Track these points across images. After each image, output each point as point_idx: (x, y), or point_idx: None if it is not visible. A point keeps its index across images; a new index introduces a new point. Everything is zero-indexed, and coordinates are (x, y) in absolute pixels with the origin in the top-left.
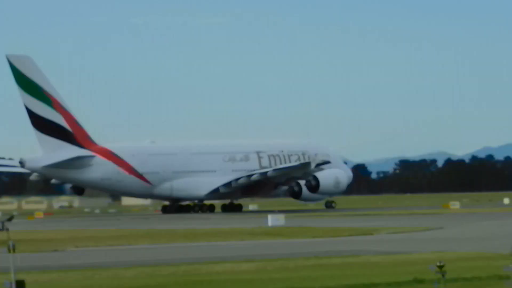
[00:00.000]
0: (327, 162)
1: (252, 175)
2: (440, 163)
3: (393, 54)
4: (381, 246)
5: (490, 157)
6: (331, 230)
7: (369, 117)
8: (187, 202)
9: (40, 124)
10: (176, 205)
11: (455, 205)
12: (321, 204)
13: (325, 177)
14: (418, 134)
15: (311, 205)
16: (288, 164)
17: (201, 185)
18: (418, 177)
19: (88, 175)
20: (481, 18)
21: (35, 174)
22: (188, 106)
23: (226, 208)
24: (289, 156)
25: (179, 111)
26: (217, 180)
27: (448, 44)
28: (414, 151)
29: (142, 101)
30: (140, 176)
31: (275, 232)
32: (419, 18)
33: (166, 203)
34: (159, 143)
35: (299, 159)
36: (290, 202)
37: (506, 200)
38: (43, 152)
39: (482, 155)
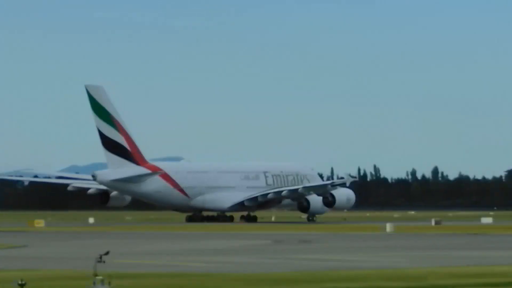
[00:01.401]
0: (345, 184)
1: (282, 191)
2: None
3: None
4: None
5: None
6: None
7: None
8: (208, 213)
9: (108, 144)
10: (200, 215)
11: (40, 223)
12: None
13: (340, 194)
14: (6, 151)
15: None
16: (318, 183)
17: (226, 198)
18: (5, 194)
19: (144, 188)
20: None
21: (93, 187)
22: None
23: (244, 219)
24: (286, 176)
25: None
26: (236, 195)
27: None
28: (3, 168)
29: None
30: (181, 190)
31: None
32: None
33: (190, 213)
34: (194, 162)
35: (294, 179)
36: (292, 214)
37: (91, 220)
38: (110, 168)
39: (70, 172)
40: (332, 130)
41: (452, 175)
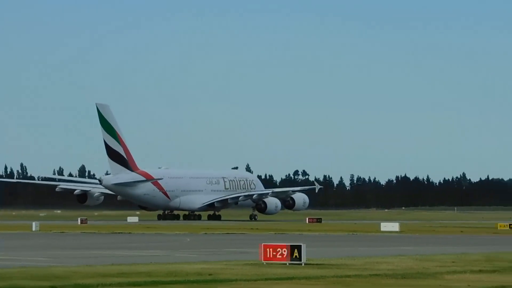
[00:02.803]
0: (314, 188)
1: (253, 194)
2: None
3: None
4: None
5: None
6: None
7: None
8: (178, 212)
9: (111, 153)
10: (171, 214)
11: None
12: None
13: (298, 198)
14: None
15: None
16: (285, 189)
17: (196, 200)
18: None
19: (136, 191)
20: None
21: (97, 191)
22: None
23: (211, 217)
24: (239, 181)
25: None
26: (204, 197)
27: None
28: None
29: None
30: (165, 193)
31: None
32: None
33: (160, 212)
34: (171, 169)
35: (244, 183)
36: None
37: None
38: (112, 174)
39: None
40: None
41: None
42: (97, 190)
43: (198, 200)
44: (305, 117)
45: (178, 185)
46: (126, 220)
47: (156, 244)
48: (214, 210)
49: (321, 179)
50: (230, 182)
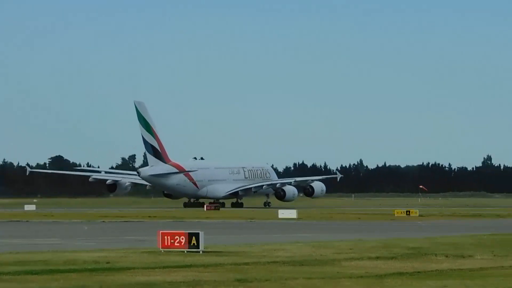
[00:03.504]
0: (335, 177)
1: (276, 183)
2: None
3: None
4: None
5: None
6: None
7: None
8: (203, 200)
9: (148, 147)
10: (196, 202)
11: None
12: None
13: (317, 186)
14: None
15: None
16: (306, 178)
17: (221, 189)
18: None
19: (170, 182)
20: None
21: (127, 181)
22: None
23: (234, 205)
24: (256, 170)
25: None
26: (227, 186)
27: None
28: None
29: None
30: (194, 183)
31: None
32: None
33: (186, 200)
34: (198, 161)
35: (261, 172)
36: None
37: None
38: (149, 166)
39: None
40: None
41: None
42: (127, 180)
43: (222, 189)
44: None
45: (205, 175)
46: (23, 208)
47: (54, 232)
48: (237, 198)
49: None
50: (249, 171)
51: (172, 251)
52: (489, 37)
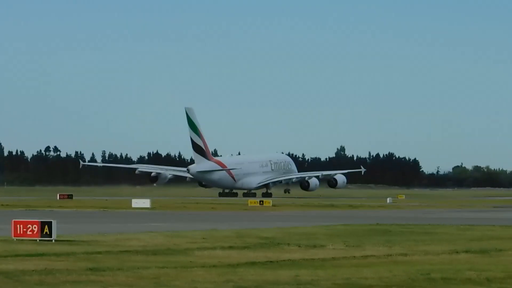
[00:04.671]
0: (360, 171)
1: (305, 176)
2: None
3: None
4: None
5: None
6: None
7: None
8: (235, 191)
9: (195, 147)
10: (231, 192)
11: None
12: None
13: (339, 178)
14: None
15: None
16: (332, 172)
17: (253, 181)
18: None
19: (213, 177)
20: None
21: (168, 173)
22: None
23: (264, 195)
24: (280, 163)
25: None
26: (258, 178)
27: None
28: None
29: None
30: (233, 177)
31: None
32: None
33: (220, 190)
34: (234, 157)
35: (284, 165)
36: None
37: None
38: (196, 164)
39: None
40: None
41: None
42: (168, 172)
43: (254, 181)
44: None
45: (240, 169)
46: None
47: None
48: (266, 188)
49: (73, 155)
50: (274, 164)
51: (24, 240)
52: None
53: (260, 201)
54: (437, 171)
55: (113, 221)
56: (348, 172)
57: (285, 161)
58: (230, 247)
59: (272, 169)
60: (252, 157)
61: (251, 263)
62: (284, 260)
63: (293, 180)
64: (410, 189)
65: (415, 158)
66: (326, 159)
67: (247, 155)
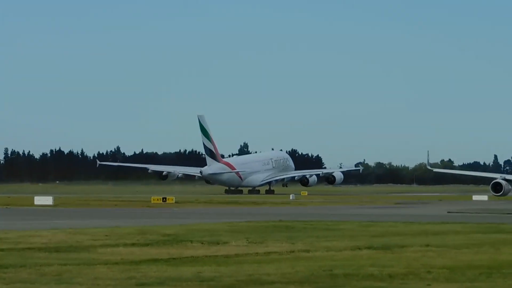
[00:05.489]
0: (358, 170)
1: (306, 174)
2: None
3: None
4: None
5: None
6: None
7: None
8: (240, 188)
9: (207, 151)
10: (237, 190)
11: None
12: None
13: (337, 175)
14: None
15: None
16: (332, 170)
17: (257, 178)
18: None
19: (223, 177)
20: None
21: (177, 172)
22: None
23: (267, 192)
24: (280, 160)
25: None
26: (261, 176)
27: None
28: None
29: None
30: (240, 176)
31: None
32: None
33: (226, 187)
34: (240, 156)
35: (283, 162)
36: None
37: None
38: (207, 166)
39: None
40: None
41: None
42: (177, 171)
43: (258, 178)
44: None
45: (246, 168)
46: None
47: None
48: (269, 186)
49: None
50: (275, 161)
51: None
52: None
53: (163, 198)
54: (340, 168)
55: (15, 218)
56: (348, 170)
57: (283, 158)
58: (133, 244)
59: (273, 167)
60: (255, 156)
61: (153, 260)
62: (186, 257)
63: (295, 178)
64: (313, 186)
65: (318, 155)
66: (229, 155)
67: (250, 155)
